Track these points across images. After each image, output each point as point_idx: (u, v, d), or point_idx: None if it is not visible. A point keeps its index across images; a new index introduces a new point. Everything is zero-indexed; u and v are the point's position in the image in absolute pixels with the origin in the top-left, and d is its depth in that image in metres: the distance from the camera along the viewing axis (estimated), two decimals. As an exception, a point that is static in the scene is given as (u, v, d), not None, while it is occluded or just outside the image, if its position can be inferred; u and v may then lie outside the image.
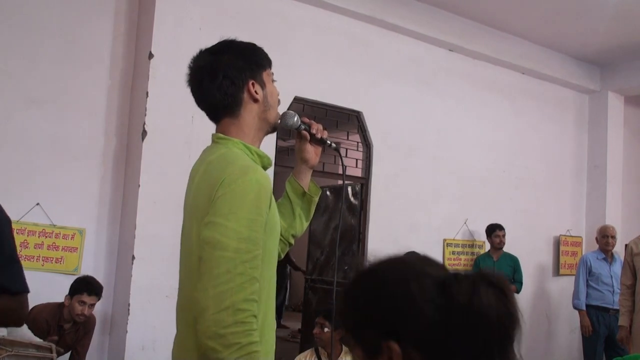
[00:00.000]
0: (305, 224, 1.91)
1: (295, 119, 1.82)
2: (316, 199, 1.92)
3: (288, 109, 1.94)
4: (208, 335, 1.40)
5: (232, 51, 1.69)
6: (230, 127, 1.67)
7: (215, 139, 1.69)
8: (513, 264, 5.96)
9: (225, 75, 1.65)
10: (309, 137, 1.86)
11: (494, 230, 6.00)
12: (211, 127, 1.76)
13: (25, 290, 1.74)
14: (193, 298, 1.46)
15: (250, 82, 1.67)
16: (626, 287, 4.83)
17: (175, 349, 1.62)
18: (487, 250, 6.18)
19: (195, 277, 1.48)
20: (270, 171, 4.48)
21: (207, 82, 1.66)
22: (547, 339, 6.89)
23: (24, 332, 3.28)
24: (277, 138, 4.92)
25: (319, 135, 1.86)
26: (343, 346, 4.29)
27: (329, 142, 1.90)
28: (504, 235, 5.99)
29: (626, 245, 5.58)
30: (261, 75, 1.70)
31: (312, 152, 1.89)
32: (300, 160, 1.90)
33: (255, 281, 1.45)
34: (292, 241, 1.89)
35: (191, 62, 1.71)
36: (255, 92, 1.68)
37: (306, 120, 1.86)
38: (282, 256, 1.86)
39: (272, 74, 1.76)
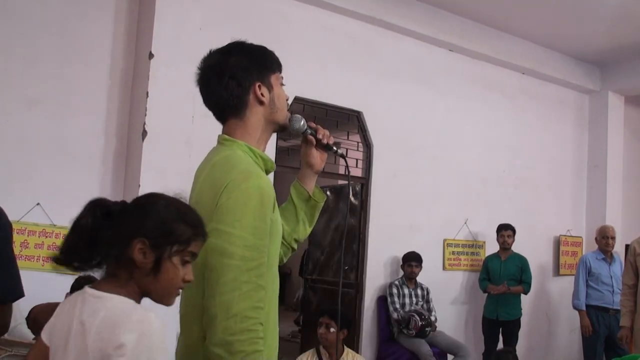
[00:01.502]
0: (309, 229, 1.90)
1: (302, 123, 1.80)
2: (321, 205, 1.90)
3: (288, 111, 1.93)
4: (215, 342, 1.41)
5: (241, 52, 1.69)
6: (236, 128, 1.67)
7: (220, 140, 1.68)
8: (521, 264, 5.95)
9: (232, 76, 1.65)
10: (314, 142, 1.85)
11: (500, 230, 6.01)
12: (212, 127, 1.75)
13: (19, 296, 1.74)
14: (200, 305, 1.48)
15: (257, 84, 1.66)
16: (628, 287, 4.79)
17: (180, 351, 1.62)
18: (492, 250, 6.17)
19: (199, 279, 1.48)
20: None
21: (214, 81, 1.66)
22: (547, 339, 6.89)
23: (24, 332, 3.28)
24: (278, 138, 4.92)
25: (325, 141, 1.85)
26: (345, 346, 4.29)
27: (334, 148, 1.88)
28: (509, 236, 5.97)
29: (627, 245, 5.58)
30: (269, 78, 1.69)
31: (318, 157, 1.87)
32: (306, 165, 1.88)
33: (261, 289, 1.46)
34: (295, 246, 1.88)
35: (201, 62, 1.70)
36: (262, 94, 1.67)
37: (312, 125, 1.85)
38: (285, 260, 1.86)
39: (282, 77, 1.75)
